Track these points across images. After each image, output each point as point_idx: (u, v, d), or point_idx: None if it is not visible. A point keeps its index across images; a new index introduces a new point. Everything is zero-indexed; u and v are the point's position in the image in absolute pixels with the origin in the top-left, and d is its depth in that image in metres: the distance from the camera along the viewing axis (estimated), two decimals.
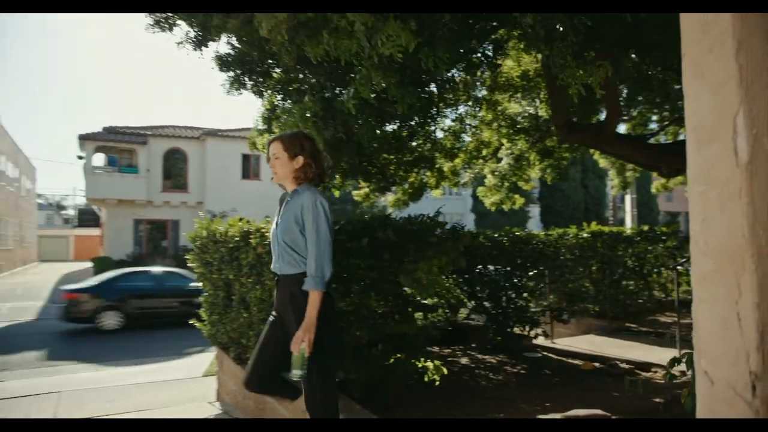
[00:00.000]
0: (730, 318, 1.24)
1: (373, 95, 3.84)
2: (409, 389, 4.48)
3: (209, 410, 6.03)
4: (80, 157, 26.95)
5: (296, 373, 2.65)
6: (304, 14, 2.66)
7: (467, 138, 7.84)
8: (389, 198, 8.12)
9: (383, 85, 3.01)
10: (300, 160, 2.84)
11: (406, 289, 3.87)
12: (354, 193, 7.83)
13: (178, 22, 4.25)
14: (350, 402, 3.63)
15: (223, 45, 4.36)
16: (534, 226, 30.68)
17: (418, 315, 6.88)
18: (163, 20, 4.22)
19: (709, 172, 1.29)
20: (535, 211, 33.91)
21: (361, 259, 3.57)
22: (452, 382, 5.16)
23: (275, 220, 2.94)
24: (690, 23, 1.34)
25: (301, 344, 2.60)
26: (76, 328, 13.93)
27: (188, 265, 6.70)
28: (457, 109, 7.31)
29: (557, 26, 2.87)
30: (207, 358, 9.64)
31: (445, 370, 4.35)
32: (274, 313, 2.93)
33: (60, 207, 67.05)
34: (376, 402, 3.81)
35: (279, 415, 4.53)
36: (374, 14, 2.36)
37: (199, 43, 4.23)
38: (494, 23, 3.63)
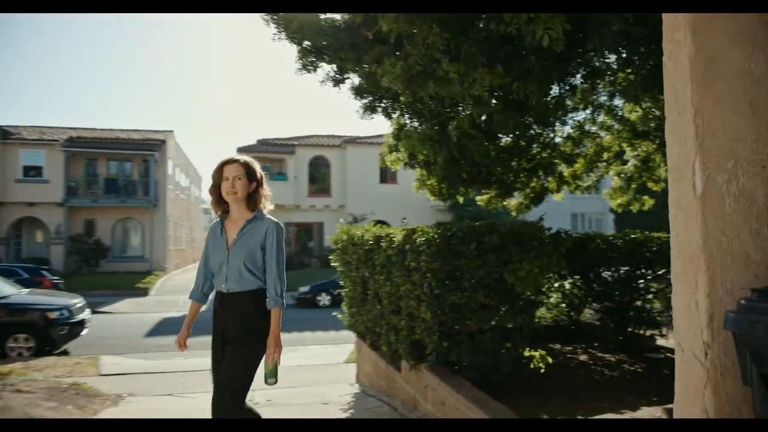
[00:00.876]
0: (691, 304, 1.76)
1: (483, 117, 4.46)
2: (524, 377, 5.01)
3: (350, 390, 6.99)
4: None
5: (272, 381, 2.97)
6: (414, 69, 3.37)
7: (587, 143, 8.07)
8: (512, 202, 8.56)
9: (483, 117, 3.62)
10: (254, 185, 3.06)
11: (514, 287, 4.44)
12: (477, 198, 8.41)
13: (321, 64, 5.19)
14: (463, 381, 4.30)
15: (356, 78, 5.21)
16: None
17: (541, 311, 7.34)
18: (309, 64, 5.18)
19: (679, 199, 1.81)
20: None
21: (470, 260, 4.22)
22: (566, 375, 5.57)
23: (219, 243, 3.08)
24: (668, 90, 1.87)
25: (273, 357, 2.91)
26: None
27: (331, 264, 7.75)
28: (576, 115, 7.60)
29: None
30: (345, 348, 10.73)
31: (550, 360, 4.84)
32: (213, 335, 3.10)
33: None
34: (489, 385, 4.41)
35: (405, 391, 5.32)
36: (465, 64, 2.98)
37: (337, 81, 5.14)
38: (578, 60, 4.02)
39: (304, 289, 20.20)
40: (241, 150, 29.13)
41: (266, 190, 3.16)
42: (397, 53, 3.37)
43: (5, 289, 10.93)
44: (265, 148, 29.69)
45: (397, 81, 3.44)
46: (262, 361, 2.97)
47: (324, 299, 19.42)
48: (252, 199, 3.06)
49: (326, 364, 9.71)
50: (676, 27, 1.83)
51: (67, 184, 27.08)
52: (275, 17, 4.96)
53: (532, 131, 6.44)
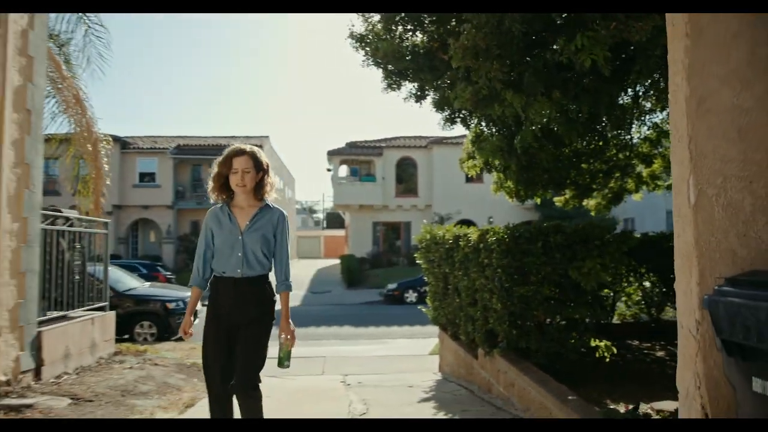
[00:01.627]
0: (687, 291, 2.24)
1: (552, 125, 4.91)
2: (595, 367, 5.41)
3: (433, 377, 7.59)
4: (328, 170, 31.56)
5: (287, 365, 3.07)
6: (481, 93, 3.94)
7: (666, 143, 8.19)
8: (590, 203, 8.81)
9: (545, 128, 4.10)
10: (261, 175, 3.11)
11: (579, 282, 4.87)
12: (555, 199, 8.75)
13: (404, 83, 5.84)
14: (530, 365, 4.80)
15: (435, 95, 5.80)
16: None
17: (621, 308, 7.61)
18: (393, 83, 5.84)
19: (679, 209, 2.29)
20: None
21: (536, 257, 4.71)
22: (639, 368, 5.87)
23: (229, 228, 3.09)
24: (671, 121, 2.34)
25: (287, 339, 3.03)
26: (336, 312, 16.95)
27: (416, 261, 8.40)
28: (654, 117, 7.76)
29: None
30: (430, 342, 11.34)
31: (614, 350, 5.22)
32: (215, 322, 3.05)
33: (311, 211, 76.77)
34: (558, 373, 4.87)
35: (481, 376, 5.87)
36: (526, 93, 3.50)
37: (419, 98, 5.78)
38: (626, 81, 4.35)
39: (391, 286, 21.02)
40: (331, 153, 30.50)
41: (272, 178, 3.20)
42: (468, 78, 3.92)
43: (132, 282, 12.51)
44: (354, 150, 30.86)
45: (467, 104, 4.01)
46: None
47: (411, 296, 20.13)
48: (259, 189, 3.13)
49: (412, 356, 10.39)
50: (675, 72, 2.30)
51: (176, 188, 29.58)
52: (364, 45, 5.68)
53: (607, 134, 6.75)
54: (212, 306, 3.09)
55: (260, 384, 3.01)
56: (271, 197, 3.22)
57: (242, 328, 3.00)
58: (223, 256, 3.08)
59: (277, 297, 3.15)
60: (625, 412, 3.51)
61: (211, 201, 3.23)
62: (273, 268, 3.17)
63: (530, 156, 5.11)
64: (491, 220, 26.23)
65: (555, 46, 3.52)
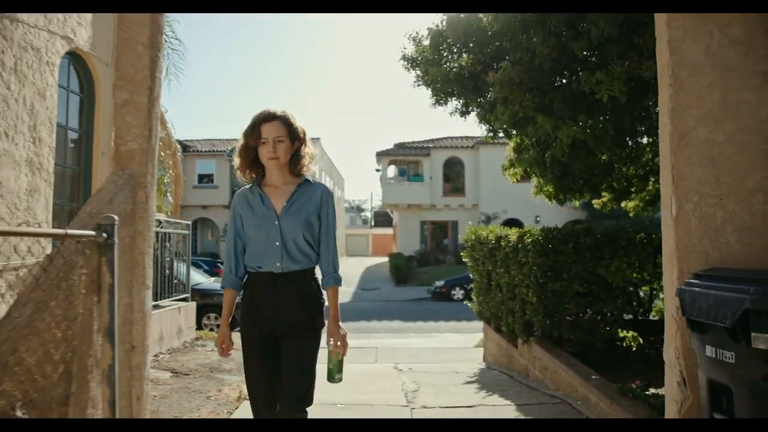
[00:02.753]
0: (670, 284, 2.90)
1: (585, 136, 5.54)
2: (624, 357, 5.98)
3: (477, 366, 8.27)
4: (377, 170, 32.47)
5: (339, 378, 2.49)
6: (517, 116, 4.60)
7: None
8: (629, 204, 9.27)
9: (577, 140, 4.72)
10: (296, 145, 2.56)
11: (608, 279, 5.48)
12: (594, 202, 9.27)
13: (450, 100, 6.55)
14: (562, 352, 5.44)
15: (479, 110, 6.50)
16: None
17: (659, 305, 8.09)
18: (440, 100, 6.56)
19: (665, 220, 2.95)
20: None
21: (568, 256, 5.34)
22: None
23: (263, 213, 2.53)
24: (660, 150, 3.00)
25: (337, 345, 2.45)
26: (386, 308, 17.79)
27: (462, 259, 9.09)
28: None
29: None
30: (475, 336, 12.00)
31: (641, 340, 5.80)
32: (254, 331, 2.51)
33: (359, 210, 77.92)
34: (589, 359, 5.48)
35: (520, 363, 6.53)
36: (556, 117, 4.16)
37: (463, 113, 6.49)
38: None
39: (439, 283, 21.72)
40: (380, 154, 31.37)
41: (310, 148, 2.62)
42: (505, 102, 4.61)
43: (198, 278, 13.68)
44: (402, 151, 31.64)
45: (505, 124, 4.69)
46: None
47: (458, 293, 20.78)
48: (295, 161, 2.56)
49: (458, 348, 11.09)
50: (663, 113, 2.94)
51: (232, 189, 31.10)
52: (415, 67, 6.43)
53: (640, 142, 7.28)
54: (248, 310, 2.53)
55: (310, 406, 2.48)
56: (310, 171, 2.65)
57: (286, 337, 2.47)
58: (257, 247, 2.52)
59: (324, 294, 2.59)
60: (635, 387, 4.14)
61: (241, 181, 2.67)
62: (318, 259, 2.58)
63: (563, 166, 5.74)
64: (538, 219, 26.50)
65: (580, 74, 4.18)
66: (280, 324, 2.47)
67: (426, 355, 9.99)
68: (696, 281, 2.59)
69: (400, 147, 32.02)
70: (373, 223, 62.47)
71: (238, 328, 2.64)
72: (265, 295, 2.50)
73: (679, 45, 2.90)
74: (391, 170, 32.62)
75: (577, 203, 8.80)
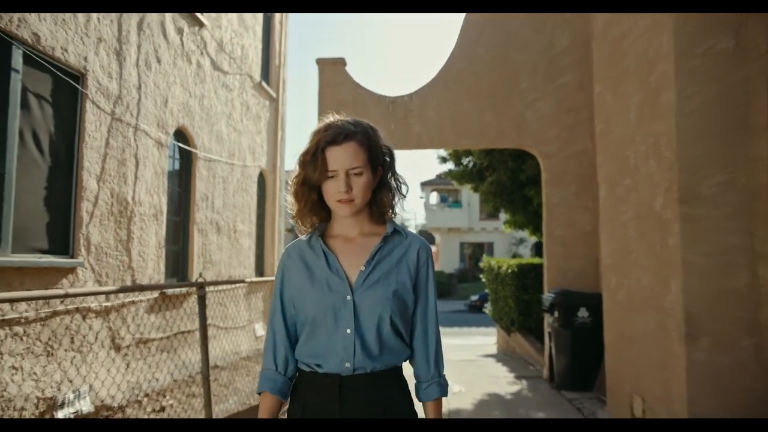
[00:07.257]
0: (546, 293, 6.95)
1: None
2: None
3: (492, 351, 12.21)
4: (421, 197, 36.63)
5: None
6: (494, 205, 8.70)
7: None
8: None
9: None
10: (380, 174, 1.56)
11: None
12: None
13: (465, 184, 10.66)
14: (530, 335, 9.40)
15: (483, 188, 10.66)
16: None
17: None
18: (459, 182, 10.68)
19: (545, 266, 7.01)
20: None
21: (531, 280, 9.33)
22: None
23: (327, 280, 1.51)
24: (543, 203, 7.07)
25: None
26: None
27: (482, 280, 13.09)
28: None
29: None
30: (491, 337, 15.91)
31: None
32: None
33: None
34: (541, 338, 9.43)
35: (511, 345, 10.57)
36: (513, 210, 8.25)
37: (474, 189, 10.58)
38: None
39: (474, 297, 25.60)
40: (424, 184, 35.49)
41: (400, 177, 1.61)
42: (487, 201, 8.69)
43: None
44: (443, 181, 35.50)
45: (492, 210, 8.69)
46: None
47: (488, 307, 24.54)
48: (379, 203, 1.58)
49: (482, 344, 15.07)
50: (543, 223, 6.98)
51: None
52: (445, 161, 10.61)
53: None
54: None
55: None
56: (397, 216, 1.64)
57: None
58: (317, 334, 1.51)
59: (418, 407, 1.58)
60: None
61: (298, 232, 1.65)
62: (412, 354, 1.60)
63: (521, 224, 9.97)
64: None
65: (525, 189, 8.29)
66: None
67: (458, 351, 14.03)
68: (551, 293, 6.63)
69: (441, 177, 35.88)
70: None
71: None
72: (326, 408, 1.49)
73: (549, 196, 6.99)
74: (434, 197, 36.60)
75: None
